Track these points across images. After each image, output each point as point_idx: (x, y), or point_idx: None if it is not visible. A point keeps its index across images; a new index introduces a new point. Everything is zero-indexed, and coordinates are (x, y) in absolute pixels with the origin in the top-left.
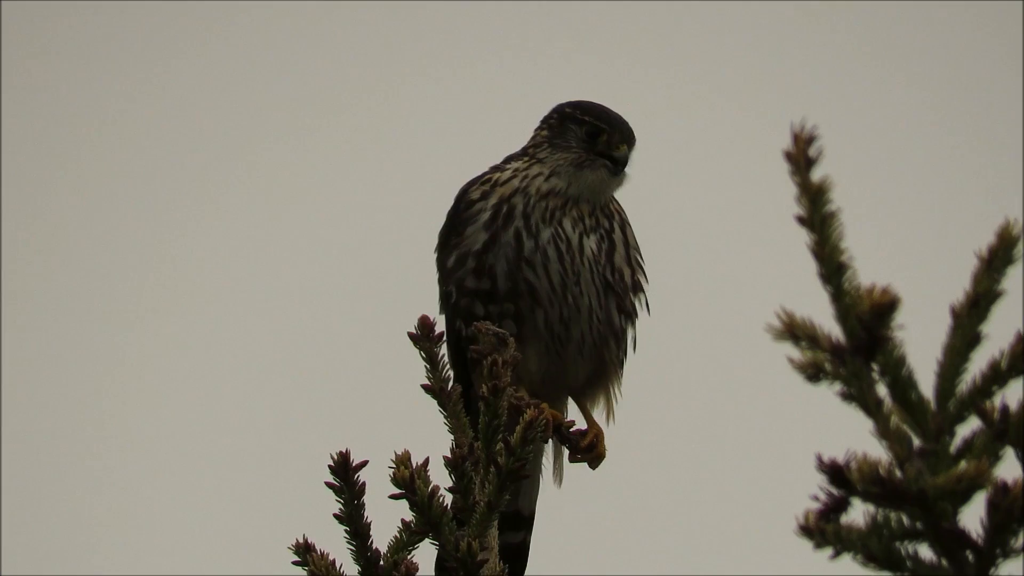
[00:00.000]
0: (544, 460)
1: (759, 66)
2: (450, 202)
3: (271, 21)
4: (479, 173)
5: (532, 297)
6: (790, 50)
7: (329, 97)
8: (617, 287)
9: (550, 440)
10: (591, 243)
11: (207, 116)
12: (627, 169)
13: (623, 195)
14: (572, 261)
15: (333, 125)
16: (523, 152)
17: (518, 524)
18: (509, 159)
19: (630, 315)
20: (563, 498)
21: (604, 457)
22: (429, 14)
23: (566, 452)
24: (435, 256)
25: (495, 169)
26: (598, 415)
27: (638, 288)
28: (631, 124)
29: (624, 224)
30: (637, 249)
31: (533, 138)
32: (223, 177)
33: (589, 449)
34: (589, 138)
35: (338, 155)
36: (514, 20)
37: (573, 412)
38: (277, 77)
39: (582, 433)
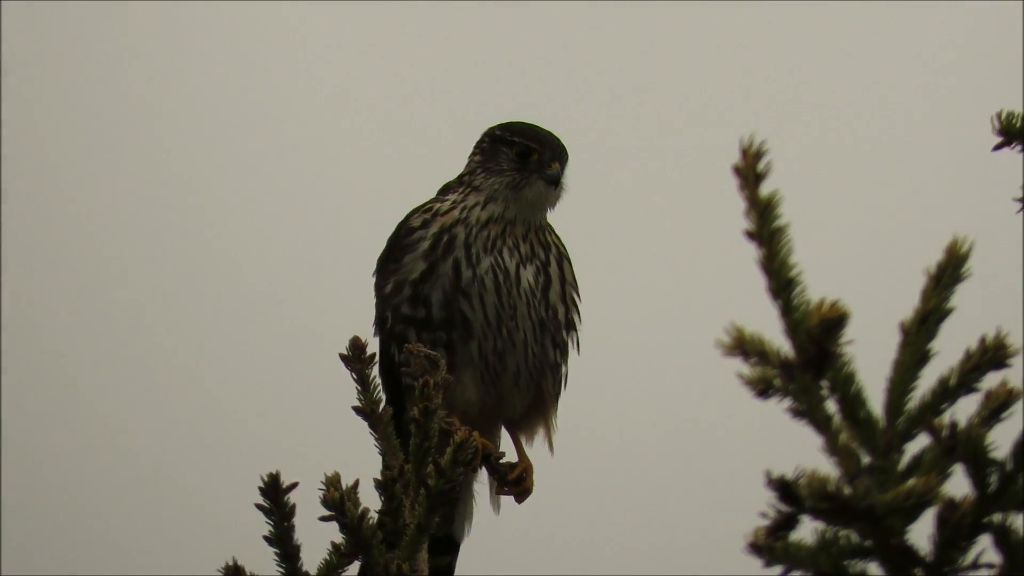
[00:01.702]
0: (477, 487)
1: (699, 83)
2: (392, 226)
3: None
4: (422, 202)
5: (466, 328)
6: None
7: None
8: (549, 324)
9: (482, 469)
10: (528, 275)
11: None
12: (563, 184)
13: (563, 229)
14: (509, 294)
15: (290, 133)
16: (459, 181)
17: (448, 548)
18: (447, 189)
19: (563, 351)
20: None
21: (531, 492)
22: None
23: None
24: (373, 280)
25: (436, 199)
26: (536, 446)
27: (571, 327)
28: (562, 140)
29: (562, 258)
30: (574, 285)
31: (468, 164)
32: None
33: (517, 482)
34: (520, 158)
35: (284, 165)
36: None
37: (506, 446)
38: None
39: (511, 466)
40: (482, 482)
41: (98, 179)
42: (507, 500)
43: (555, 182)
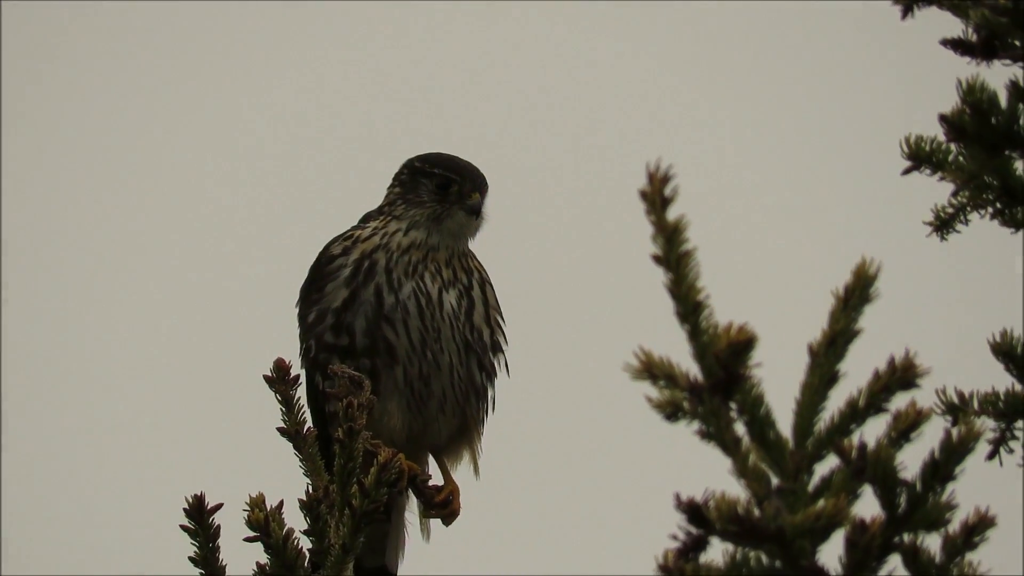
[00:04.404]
0: (409, 515)
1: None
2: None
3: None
4: (343, 231)
5: (390, 354)
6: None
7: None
8: (476, 346)
9: (412, 495)
10: (451, 298)
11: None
12: (483, 214)
13: (485, 255)
14: (432, 317)
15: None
16: (379, 211)
17: None
18: (368, 218)
19: (490, 373)
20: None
21: (458, 514)
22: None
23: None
24: (296, 310)
25: (357, 227)
26: (461, 471)
27: (497, 348)
28: (482, 170)
29: (484, 282)
30: (497, 309)
31: (387, 196)
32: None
33: (444, 504)
34: (440, 189)
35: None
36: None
37: (433, 469)
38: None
39: (438, 488)
40: (412, 511)
41: (96, 180)
42: (436, 525)
43: (476, 212)
